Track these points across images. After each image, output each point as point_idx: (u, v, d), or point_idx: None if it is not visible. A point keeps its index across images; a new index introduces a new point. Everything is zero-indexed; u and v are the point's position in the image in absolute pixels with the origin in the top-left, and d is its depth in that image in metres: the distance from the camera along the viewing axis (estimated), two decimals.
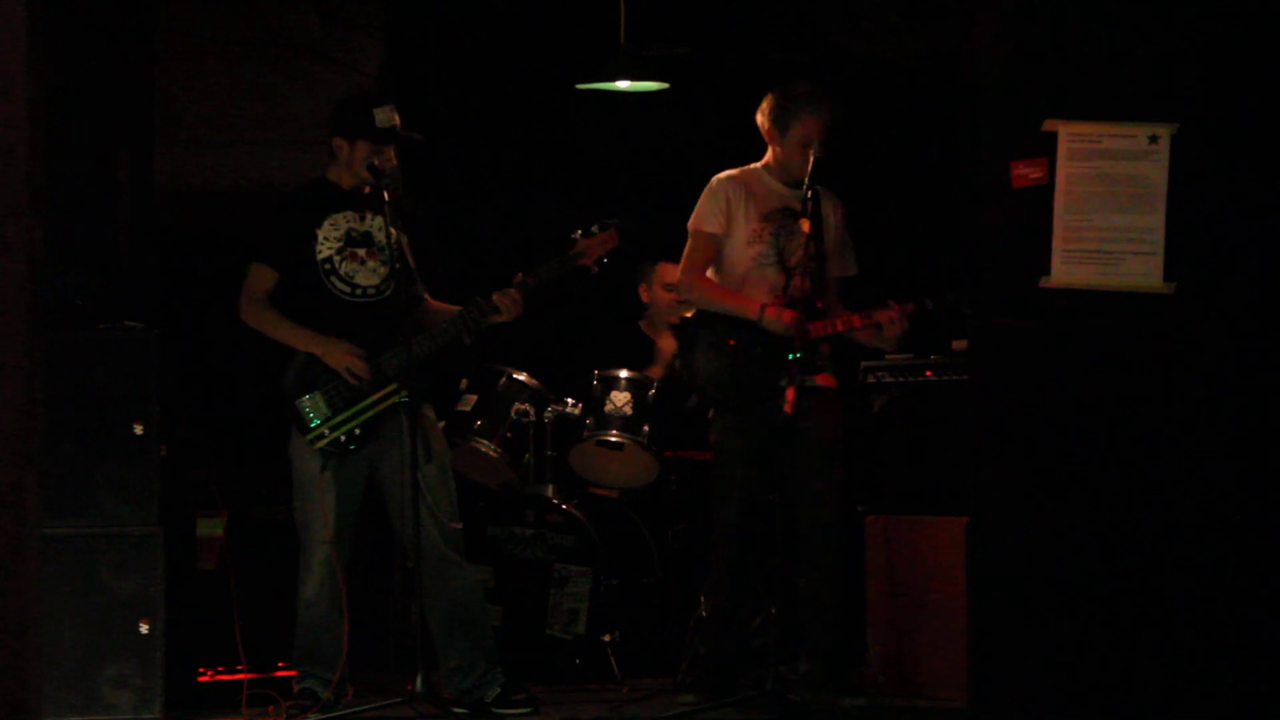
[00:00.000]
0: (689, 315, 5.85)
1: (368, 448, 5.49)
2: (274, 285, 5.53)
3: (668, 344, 7.08)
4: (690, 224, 5.83)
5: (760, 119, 5.81)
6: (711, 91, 7.50)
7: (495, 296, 5.52)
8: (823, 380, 5.74)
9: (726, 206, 5.77)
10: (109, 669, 5.38)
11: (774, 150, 5.81)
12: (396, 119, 5.53)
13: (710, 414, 5.82)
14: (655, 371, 6.94)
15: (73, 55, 5.48)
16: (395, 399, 5.42)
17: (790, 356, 5.37)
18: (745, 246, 5.76)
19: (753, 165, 5.86)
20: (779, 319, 5.58)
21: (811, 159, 5.62)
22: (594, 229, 5.63)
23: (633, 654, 6.37)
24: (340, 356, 5.44)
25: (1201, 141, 4.87)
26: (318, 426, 5.45)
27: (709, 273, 5.81)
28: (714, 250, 5.81)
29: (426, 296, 5.69)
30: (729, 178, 5.82)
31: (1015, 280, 4.96)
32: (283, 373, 5.50)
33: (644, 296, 7.27)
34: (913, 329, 5.67)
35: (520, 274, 5.56)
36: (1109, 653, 4.86)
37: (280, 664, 5.83)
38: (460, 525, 5.59)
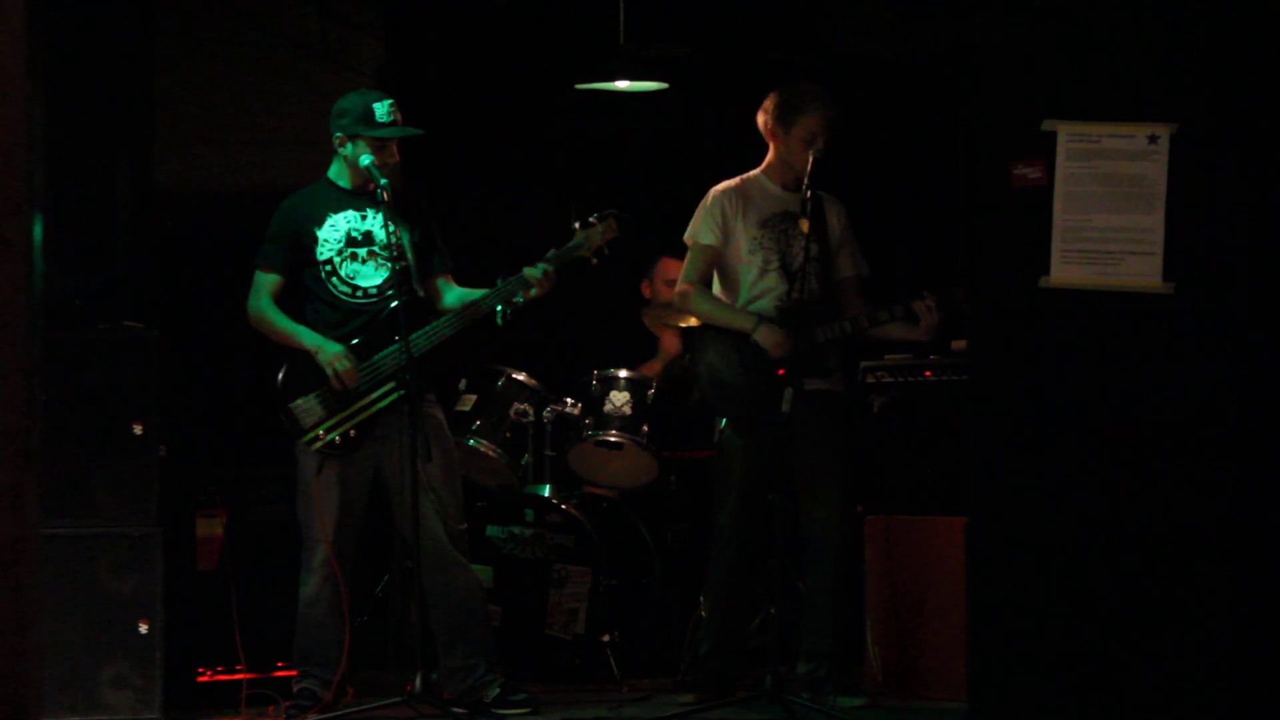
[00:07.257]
0: (691, 324, 5.84)
1: (370, 447, 5.48)
2: (278, 290, 5.53)
3: (670, 341, 7.07)
4: (686, 237, 5.83)
5: (762, 118, 5.79)
6: (711, 91, 7.50)
7: (526, 271, 5.49)
8: (831, 383, 5.74)
9: (722, 218, 5.76)
10: (108, 669, 5.38)
11: (775, 150, 5.80)
12: (396, 114, 5.53)
13: (716, 414, 5.83)
14: (654, 367, 6.93)
15: (73, 55, 5.48)
16: (391, 399, 5.42)
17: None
18: (747, 255, 5.75)
19: (750, 173, 5.85)
20: (769, 338, 5.58)
21: (811, 158, 5.62)
22: (592, 219, 5.61)
23: (632, 654, 6.37)
24: (328, 358, 5.43)
25: (1201, 141, 4.86)
26: (312, 429, 5.45)
27: (714, 284, 5.81)
28: (712, 262, 5.80)
29: (451, 281, 5.66)
30: (725, 189, 5.81)
31: (1015, 280, 4.95)
32: (278, 375, 5.50)
33: (646, 292, 7.27)
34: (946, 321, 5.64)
35: (550, 250, 5.54)
36: (1109, 653, 4.85)
37: (280, 664, 5.83)
38: (466, 526, 5.59)
